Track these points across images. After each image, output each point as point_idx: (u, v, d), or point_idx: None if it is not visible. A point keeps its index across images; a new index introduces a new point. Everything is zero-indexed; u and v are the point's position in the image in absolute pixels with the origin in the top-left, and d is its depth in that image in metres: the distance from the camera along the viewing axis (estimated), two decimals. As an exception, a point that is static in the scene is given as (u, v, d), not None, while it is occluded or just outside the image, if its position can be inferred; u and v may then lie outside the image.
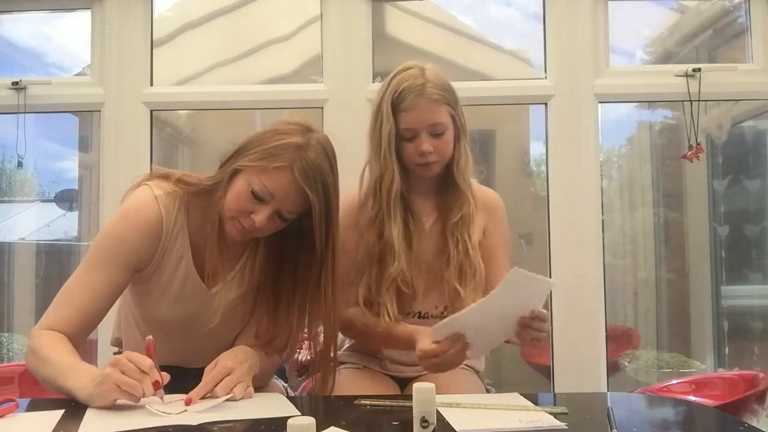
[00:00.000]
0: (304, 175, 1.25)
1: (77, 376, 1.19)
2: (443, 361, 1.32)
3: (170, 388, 1.31)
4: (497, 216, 1.64)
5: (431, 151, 1.48)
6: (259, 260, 1.44)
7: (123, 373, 1.12)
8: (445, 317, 1.45)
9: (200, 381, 1.23)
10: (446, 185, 1.57)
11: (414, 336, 1.40)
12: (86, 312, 1.29)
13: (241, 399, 1.21)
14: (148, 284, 1.39)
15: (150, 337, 1.22)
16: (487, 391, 1.61)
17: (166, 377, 1.16)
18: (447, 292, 1.52)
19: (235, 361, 1.26)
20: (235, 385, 1.22)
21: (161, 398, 1.16)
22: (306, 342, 2.12)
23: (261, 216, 1.27)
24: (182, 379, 1.24)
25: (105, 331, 2.10)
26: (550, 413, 1.13)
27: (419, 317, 1.56)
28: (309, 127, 1.33)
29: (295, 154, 1.26)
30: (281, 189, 1.26)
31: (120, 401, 1.15)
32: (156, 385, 1.13)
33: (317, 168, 1.27)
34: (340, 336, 1.69)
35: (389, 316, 1.48)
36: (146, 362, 1.14)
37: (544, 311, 1.30)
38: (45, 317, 1.30)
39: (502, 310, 1.28)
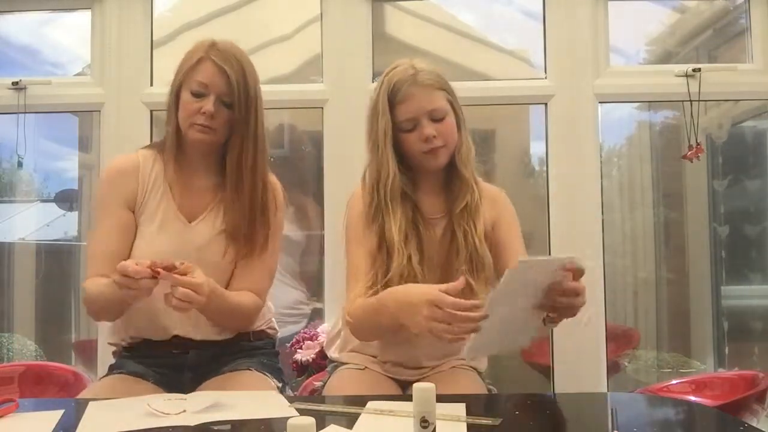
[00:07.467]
0: (220, 56, 1.50)
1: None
2: (449, 329, 1.23)
3: (168, 388, 1.31)
4: (505, 209, 1.63)
5: (434, 135, 1.47)
6: (226, 201, 1.57)
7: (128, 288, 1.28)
8: None
9: (182, 367, 1.49)
10: (451, 178, 1.56)
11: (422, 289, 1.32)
12: (114, 252, 1.48)
13: (175, 306, 1.30)
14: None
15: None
16: (489, 392, 1.60)
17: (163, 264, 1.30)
18: None
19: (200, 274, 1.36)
20: (190, 290, 1.30)
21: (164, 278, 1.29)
22: (306, 342, 2.14)
23: (207, 105, 1.49)
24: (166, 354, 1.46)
25: (106, 331, 2.10)
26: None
27: None
28: (214, 41, 1.55)
29: (208, 47, 1.53)
30: (209, 75, 1.50)
31: (120, 399, 1.20)
32: (155, 273, 1.27)
33: (229, 50, 1.52)
34: (343, 337, 1.68)
35: None
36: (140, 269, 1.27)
37: (573, 285, 1.25)
38: (85, 275, 1.51)
39: (513, 303, 1.23)
